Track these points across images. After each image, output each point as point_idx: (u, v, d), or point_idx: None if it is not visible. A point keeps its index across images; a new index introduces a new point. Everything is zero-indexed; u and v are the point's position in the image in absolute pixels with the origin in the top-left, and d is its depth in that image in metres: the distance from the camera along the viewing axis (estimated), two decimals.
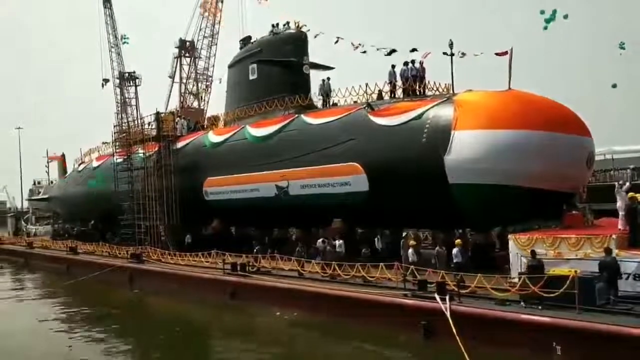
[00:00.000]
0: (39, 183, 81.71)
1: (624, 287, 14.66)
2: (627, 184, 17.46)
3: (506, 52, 21.48)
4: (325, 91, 27.88)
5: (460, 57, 23.86)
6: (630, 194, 16.70)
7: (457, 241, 19.57)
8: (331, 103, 27.67)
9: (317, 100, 28.65)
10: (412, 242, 20.41)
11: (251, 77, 31.62)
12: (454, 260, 18.95)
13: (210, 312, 23.17)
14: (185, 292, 25.26)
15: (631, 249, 15.45)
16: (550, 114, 20.21)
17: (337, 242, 23.02)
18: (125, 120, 41.84)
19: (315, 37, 29.70)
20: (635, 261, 14.83)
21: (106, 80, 59.81)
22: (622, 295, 14.48)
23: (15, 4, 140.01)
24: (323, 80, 28.27)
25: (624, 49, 33.05)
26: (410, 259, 19.43)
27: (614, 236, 15.73)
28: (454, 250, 19.15)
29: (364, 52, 27.29)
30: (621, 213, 16.75)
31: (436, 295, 16.08)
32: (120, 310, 25.23)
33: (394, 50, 25.79)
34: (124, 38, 60.10)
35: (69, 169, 57.92)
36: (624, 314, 13.68)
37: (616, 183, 17.48)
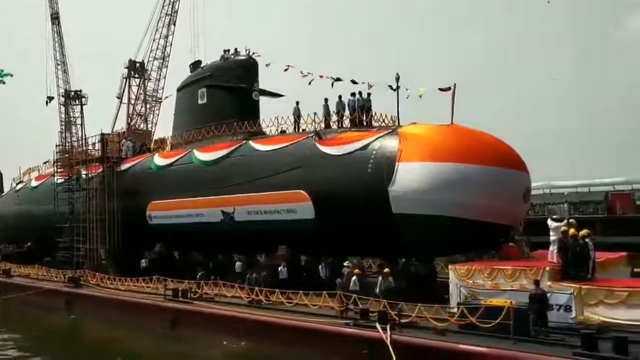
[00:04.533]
0: None
1: (556, 319, 15.17)
2: (565, 219, 18.21)
3: (449, 88, 22.19)
4: (298, 115, 27.01)
5: (419, 95, 24.08)
6: (563, 227, 17.44)
7: (385, 270, 19.75)
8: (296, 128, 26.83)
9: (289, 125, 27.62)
10: (356, 271, 20.55)
11: (200, 102, 31.53)
12: (377, 290, 19.04)
13: (152, 340, 22.46)
14: (125, 319, 24.45)
15: (563, 281, 16.08)
16: (489, 149, 20.94)
17: (282, 270, 22.98)
18: (69, 140, 40.68)
19: (267, 65, 29.53)
20: (566, 293, 15.43)
21: (50, 98, 57.74)
22: (554, 326, 14.96)
23: None
24: (297, 102, 27.24)
25: None
26: (351, 287, 19.54)
27: (547, 268, 16.36)
28: (378, 280, 19.37)
29: (308, 74, 26.88)
30: (552, 247, 17.50)
31: (377, 325, 16.25)
32: (54, 337, 24.25)
33: (338, 79, 26.09)
34: None
35: (6, 188, 55.80)
36: (556, 345, 14.13)
37: (549, 217, 18.21)
